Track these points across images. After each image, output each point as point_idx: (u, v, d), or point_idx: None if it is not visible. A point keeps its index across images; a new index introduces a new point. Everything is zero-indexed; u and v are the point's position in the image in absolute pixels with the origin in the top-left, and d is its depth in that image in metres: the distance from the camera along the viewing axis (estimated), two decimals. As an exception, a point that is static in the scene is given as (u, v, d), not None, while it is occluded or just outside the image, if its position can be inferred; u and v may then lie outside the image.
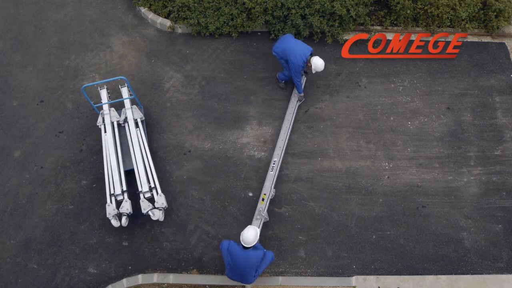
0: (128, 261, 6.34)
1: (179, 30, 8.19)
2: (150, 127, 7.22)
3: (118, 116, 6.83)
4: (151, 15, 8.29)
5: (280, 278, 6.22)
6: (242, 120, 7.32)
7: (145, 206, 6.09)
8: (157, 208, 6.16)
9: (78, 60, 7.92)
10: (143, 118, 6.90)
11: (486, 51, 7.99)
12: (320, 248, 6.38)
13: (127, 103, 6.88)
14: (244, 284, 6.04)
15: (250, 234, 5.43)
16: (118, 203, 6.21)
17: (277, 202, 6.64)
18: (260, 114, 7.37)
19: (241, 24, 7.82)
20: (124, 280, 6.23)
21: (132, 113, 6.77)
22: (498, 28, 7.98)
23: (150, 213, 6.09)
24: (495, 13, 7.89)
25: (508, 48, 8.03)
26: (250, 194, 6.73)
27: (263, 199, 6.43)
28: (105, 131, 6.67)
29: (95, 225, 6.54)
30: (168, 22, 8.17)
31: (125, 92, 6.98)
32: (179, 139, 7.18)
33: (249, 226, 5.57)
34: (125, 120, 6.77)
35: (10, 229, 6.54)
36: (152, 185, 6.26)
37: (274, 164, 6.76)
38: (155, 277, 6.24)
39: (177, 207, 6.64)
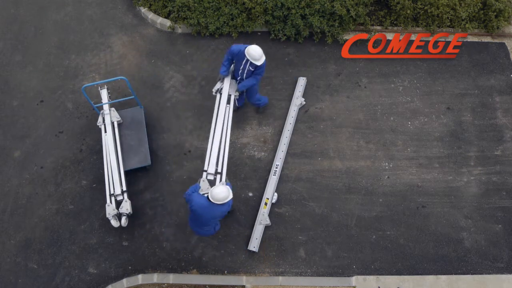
0: (128, 261, 6.34)
1: (179, 30, 8.20)
2: (150, 127, 7.22)
3: (118, 116, 6.83)
4: (151, 15, 8.29)
5: (280, 278, 6.23)
6: (242, 120, 7.32)
7: (204, 187, 5.60)
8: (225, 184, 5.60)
9: (78, 60, 7.92)
10: None
11: (486, 51, 7.99)
12: (320, 248, 6.39)
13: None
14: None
15: (222, 192, 4.99)
16: (118, 203, 6.22)
17: (277, 202, 6.64)
18: (260, 114, 7.37)
19: (241, 24, 7.82)
20: (124, 280, 6.23)
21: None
22: (498, 28, 7.98)
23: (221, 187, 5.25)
24: (495, 13, 7.89)
25: (508, 48, 8.03)
26: (250, 194, 6.73)
27: (265, 204, 6.45)
28: (105, 131, 6.67)
29: (95, 225, 6.54)
30: (168, 22, 8.17)
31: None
32: (179, 139, 7.18)
33: (221, 185, 5.20)
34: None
35: (10, 229, 6.54)
36: (219, 170, 5.84)
37: (276, 168, 6.76)
38: (155, 277, 6.24)
39: (177, 207, 6.64)
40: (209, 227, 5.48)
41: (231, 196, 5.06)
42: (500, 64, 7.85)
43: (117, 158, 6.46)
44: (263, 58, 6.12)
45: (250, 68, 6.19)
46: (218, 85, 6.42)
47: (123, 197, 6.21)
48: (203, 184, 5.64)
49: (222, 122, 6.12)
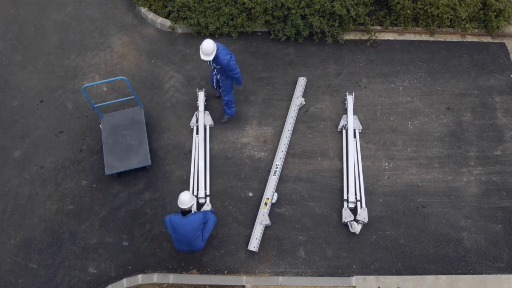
0: (128, 261, 6.34)
1: (179, 30, 8.20)
2: (150, 127, 7.22)
3: (212, 122, 7.11)
4: (151, 15, 8.29)
5: (280, 278, 6.23)
6: (242, 120, 7.32)
7: (346, 215, 6.40)
8: (358, 221, 6.38)
9: (78, 60, 7.92)
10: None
11: (486, 51, 7.99)
12: (320, 248, 6.39)
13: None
14: (195, 251, 6.05)
15: (186, 196, 5.56)
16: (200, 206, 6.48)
17: (277, 202, 6.64)
18: (260, 114, 7.37)
19: (241, 24, 7.82)
20: (124, 280, 6.23)
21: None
22: (498, 28, 7.98)
23: (349, 224, 6.36)
24: (495, 13, 7.89)
25: (508, 48, 8.03)
26: (250, 194, 6.73)
27: (265, 204, 6.45)
28: (197, 133, 6.97)
29: (95, 225, 6.54)
30: (168, 22, 8.17)
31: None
32: (179, 139, 7.18)
33: (185, 191, 5.67)
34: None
35: (10, 229, 6.54)
36: (358, 198, 6.55)
37: (276, 168, 6.77)
38: (155, 277, 6.24)
39: (177, 207, 6.62)
40: (196, 242, 5.73)
41: (194, 201, 5.74)
42: (500, 64, 7.85)
43: (204, 162, 6.73)
44: (213, 53, 5.94)
45: (215, 65, 6.32)
46: (342, 122, 7.10)
47: (205, 201, 6.50)
48: (345, 212, 6.40)
49: (353, 154, 6.82)
